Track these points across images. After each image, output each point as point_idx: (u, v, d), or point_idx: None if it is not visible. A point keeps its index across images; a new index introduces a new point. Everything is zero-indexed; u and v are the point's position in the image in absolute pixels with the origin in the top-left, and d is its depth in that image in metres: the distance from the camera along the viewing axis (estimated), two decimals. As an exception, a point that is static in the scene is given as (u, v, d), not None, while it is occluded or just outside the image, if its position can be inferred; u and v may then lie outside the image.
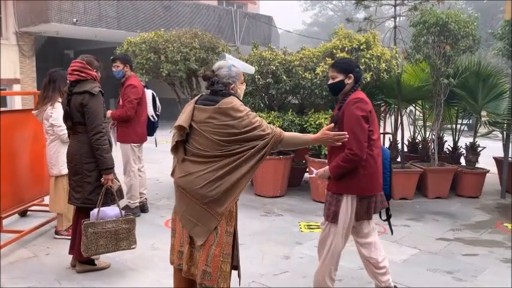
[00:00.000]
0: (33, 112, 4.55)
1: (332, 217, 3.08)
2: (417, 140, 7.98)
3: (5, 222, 4.98)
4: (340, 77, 3.06)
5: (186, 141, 2.67)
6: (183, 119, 2.62)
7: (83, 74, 3.56)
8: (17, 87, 14.52)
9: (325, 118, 5.82)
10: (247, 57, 6.41)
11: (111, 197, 3.68)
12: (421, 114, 8.00)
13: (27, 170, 4.78)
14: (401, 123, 6.88)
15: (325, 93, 5.94)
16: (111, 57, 5.31)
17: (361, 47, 5.87)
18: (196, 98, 2.74)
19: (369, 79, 5.75)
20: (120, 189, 3.92)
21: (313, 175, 3.23)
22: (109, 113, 5.10)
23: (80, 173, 3.62)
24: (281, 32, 26.61)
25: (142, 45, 6.21)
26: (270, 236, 4.85)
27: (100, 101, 3.57)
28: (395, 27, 6.67)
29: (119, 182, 3.80)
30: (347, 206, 3.04)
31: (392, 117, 7.24)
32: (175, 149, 2.69)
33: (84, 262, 3.80)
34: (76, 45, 18.08)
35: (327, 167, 3.10)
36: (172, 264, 2.84)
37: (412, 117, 8.13)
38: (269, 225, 5.24)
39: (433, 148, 6.62)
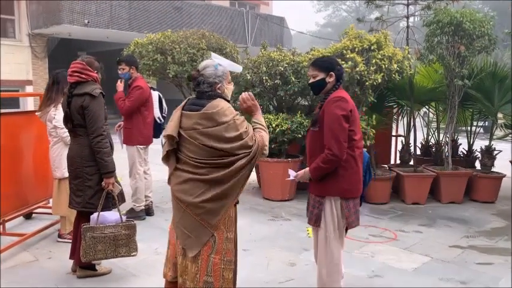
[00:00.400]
0: (36, 113, 4.51)
1: (315, 220, 3.01)
2: (431, 143, 7.78)
3: (9, 224, 4.95)
4: (321, 76, 2.98)
5: (177, 150, 2.58)
6: (171, 127, 2.54)
7: (83, 76, 3.47)
8: (29, 89, 14.63)
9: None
10: (256, 58, 6.29)
11: (112, 201, 3.60)
12: (434, 117, 7.80)
13: (31, 172, 4.74)
14: (414, 125, 6.70)
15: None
16: (116, 60, 5.26)
17: (372, 48, 5.71)
18: (183, 102, 2.64)
19: (379, 80, 5.59)
20: (121, 193, 3.83)
21: (291, 178, 3.14)
22: (119, 87, 5.25)
23: (81, 176, 3.55)
24: (294, 33, 26.46)
25: (149, 46, 6.13)
26: (276, 241, 4.72)
27: (101, 103, 3.49)
28: (407, 27, 6.50)
29: (120, 185, 3.72)
30: (331, 208, 2.96)
31: (405, 119, 7.05)
32: (166, 158, 2.60)
33: (84, 267, 3.73)
34: (89, 46, 18.16)
35: (307, 168, 3.02)
36: (165, 278, 2.74)
37: (425, 119, 7.91)
38: (276, 230, 5.11)
39: (447, 151, 6.43)
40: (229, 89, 2.65)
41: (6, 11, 14.39)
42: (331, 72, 2.97)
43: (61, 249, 4.32)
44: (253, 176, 7.54)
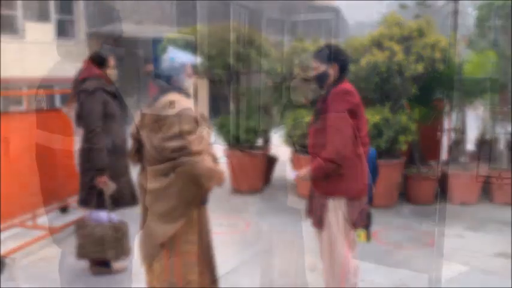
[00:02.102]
0: (63, 110, 4.59)
1: (318, 222, 2.79)
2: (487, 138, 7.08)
3: (45, 218, 5.11)
4: (323, 68, 2.75)
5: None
6: (133, 125, 2.50)
7: (85, 73, 3.49)
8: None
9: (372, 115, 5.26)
10: (289, 49, 6.04)
11: (108, 200, 3.52)
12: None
13: (62, 167, 4.84)
14: (463, 119, 6.13)
15: (374, 86, 5.40)
16: None
17: (413, 35, 5.25)
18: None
19: (421, 70, 5.14)
20: (133, 194, 3.71)
21: (293, 176, 2.94)
22: None
23: (81, 172, 3.56)
24: (354, 23, 25.51)
25: (179, 42, 6.07)
26: (304, 244, 4.46)
27: (96, 99, 3.40)
28: (456, 11, 5.92)
29: (115, 185, 3.57)
30: (335, 209, 2.72)
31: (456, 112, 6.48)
32: (132, 156, 2.55)
33: (99, 264, 3.72)
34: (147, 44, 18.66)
35: (310, 167, 2.79)
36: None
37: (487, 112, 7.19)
38: (307, 231, 4.83)
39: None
40: (189, 81, 2.54)
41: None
42: (334, 63, 2.73)
43: (85, 245, 4.37)
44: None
